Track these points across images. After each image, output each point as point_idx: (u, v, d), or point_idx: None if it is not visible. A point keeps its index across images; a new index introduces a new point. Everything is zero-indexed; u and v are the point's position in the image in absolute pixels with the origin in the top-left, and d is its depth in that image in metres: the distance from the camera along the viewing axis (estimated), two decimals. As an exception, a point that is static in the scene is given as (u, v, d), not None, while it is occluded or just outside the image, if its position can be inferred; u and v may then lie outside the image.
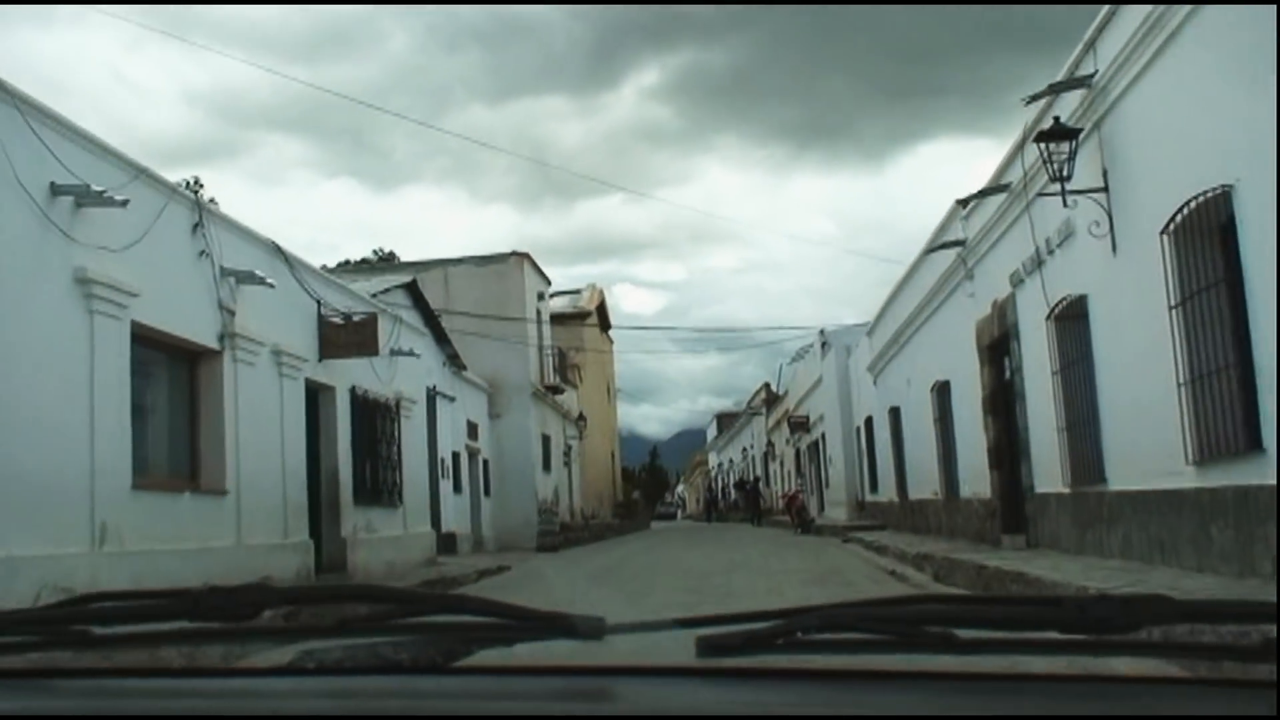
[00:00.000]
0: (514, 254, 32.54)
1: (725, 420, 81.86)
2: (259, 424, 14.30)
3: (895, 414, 24.77)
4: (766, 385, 57.75)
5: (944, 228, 17.84)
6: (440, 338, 27.30)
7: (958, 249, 17.07)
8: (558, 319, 42.83)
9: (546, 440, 34.20)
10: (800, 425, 40.70)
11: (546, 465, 34.02)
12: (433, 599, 1.36)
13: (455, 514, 27.64)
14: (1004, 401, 16.10)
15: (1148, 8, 9.52)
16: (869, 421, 29.37)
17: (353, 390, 17.54)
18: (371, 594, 1.35)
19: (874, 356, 26.97)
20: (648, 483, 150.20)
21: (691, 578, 16.00)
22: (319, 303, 16.33)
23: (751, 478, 41.71)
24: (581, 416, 37.61)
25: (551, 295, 44.88)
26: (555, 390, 34.68)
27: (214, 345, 13.44)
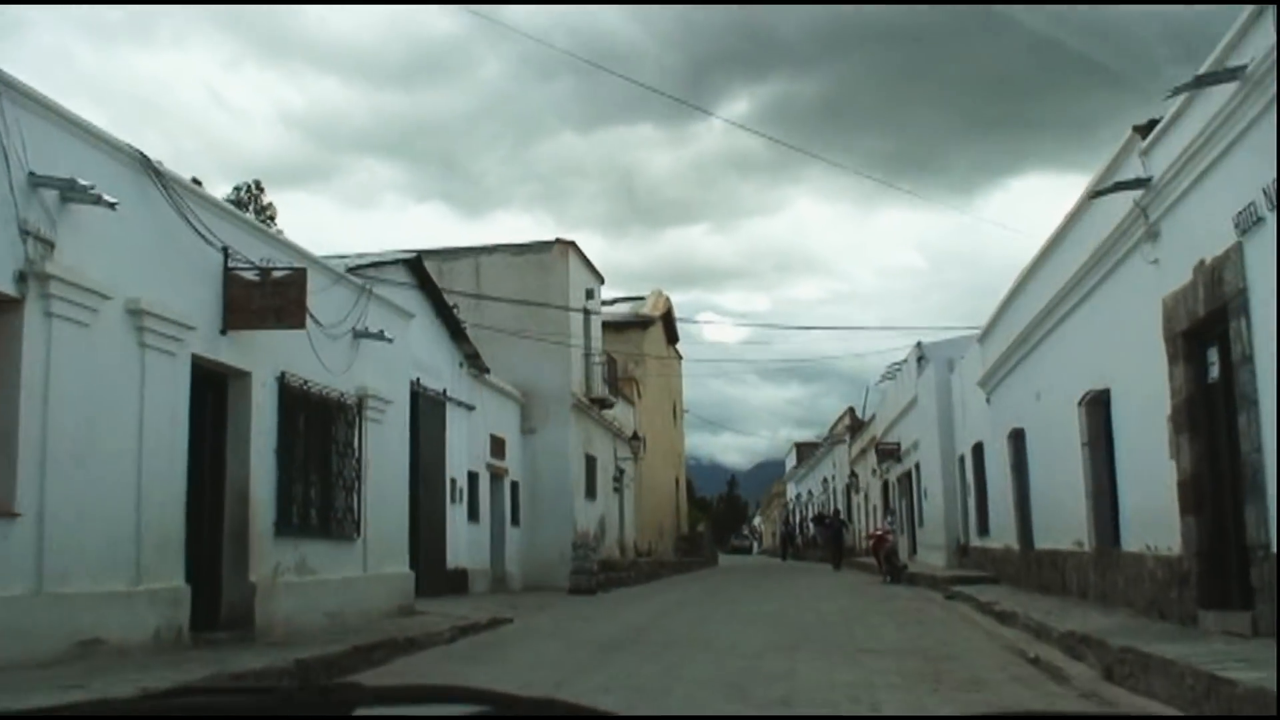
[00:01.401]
0: (558, 241, 27.80)
1: (805, 450, 76.21)
2: (94, 414, 9.62)
3: (1017, 439, 19.46)
4: (851, 410, 52.27)
5: (1112, 169, 12.62)
6: (456, 333, 22.61)
7: (1134, 196, 11.87)
8: (615, 327, 38.08)
9: (591, 462, 29.32)
10: (889, 453, 35.28)
11: (590, 491, 29.12)
12: (524, 702, 1.29)
13: (470, 547, 22.85)
14: (1208, 413, 10.85)
15: None
16: (977, 449, 24.00)
17: (283, 380, 12.83)
18: (461, 694, 1.31)
19: (987, 369, 21.66)
20: (724, 514, 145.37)
21: (739, 657, 10.99)
22: (225, 251, 11.65)
23: (832, 511, 36.35)
24: (636, 436, 32.68)
25: (612, 302, 40.24)
26: (604, 404, 29.82)
27: (7, 290, 8.81)
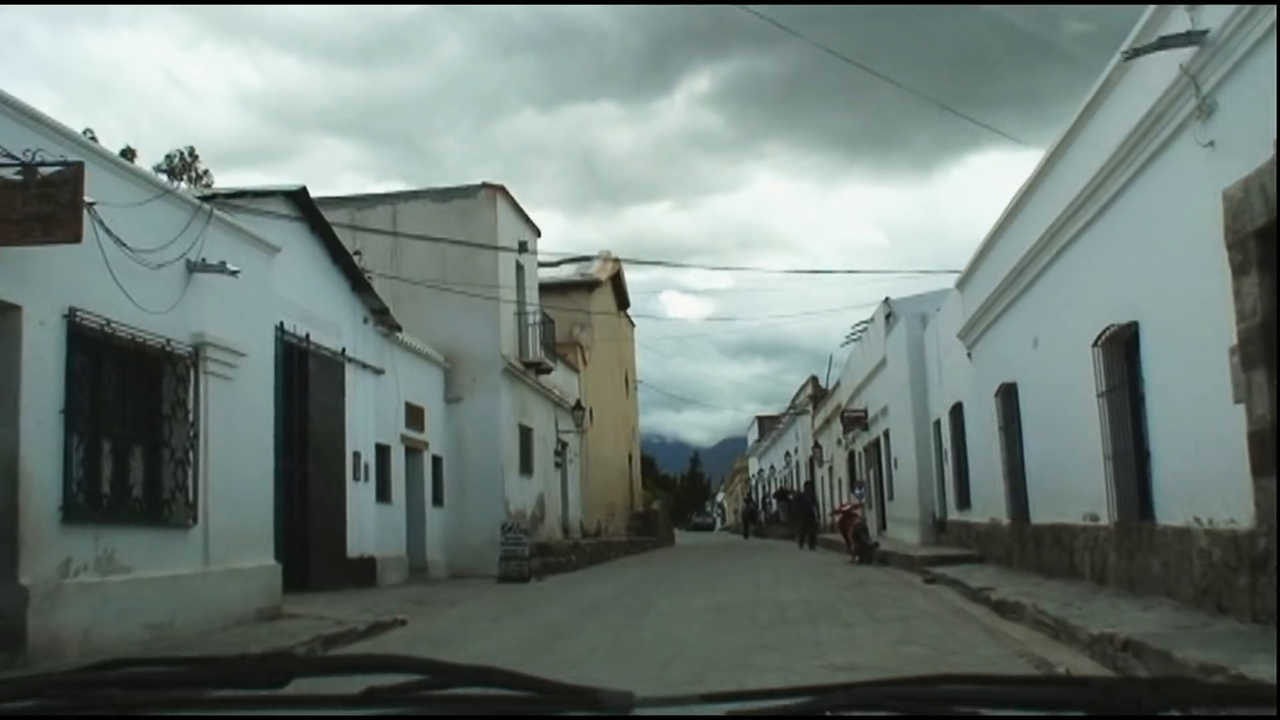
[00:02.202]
0: (485, 186, 24.73)
1: (767, 424, 73.62)
2: None
3: (1007, 395, 16.71)
4: (813, 379, 49.58)
5: (1149, 28, 9.75)
6: (360, 285, 19.57)
7: (1178, 62, 9.04)
8: (558, 288, 35.08)
9: (527, 434, 26.35)
10: (855, 421, 32.55)
11: (526, 466, 26.16)
12: (462, 670, 1.34)
13: (379, 531, 19.88)
14: (1294, 342, 8.06)
15: None
16: (956, 411, 21.28)
17: (73, 319, 9.77)
18: (401, 663, 1.35)
19: (968, 319, 18.89)
20: (687, 491, 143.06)
21: (672, 678, 8.13)
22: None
23: (802, 485, 33.23)
24: (580, 406, 29.68)
25: (556, 263, 37.27)
26: (541, 369, 26.82)
27: None
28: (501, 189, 24.75)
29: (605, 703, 1.26)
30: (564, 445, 30.16)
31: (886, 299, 28.07)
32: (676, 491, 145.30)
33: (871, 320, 29.84)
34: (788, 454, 57.74)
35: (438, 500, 23.21)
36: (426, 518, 22.44)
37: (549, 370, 26.98)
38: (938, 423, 23.55)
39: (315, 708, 1.31)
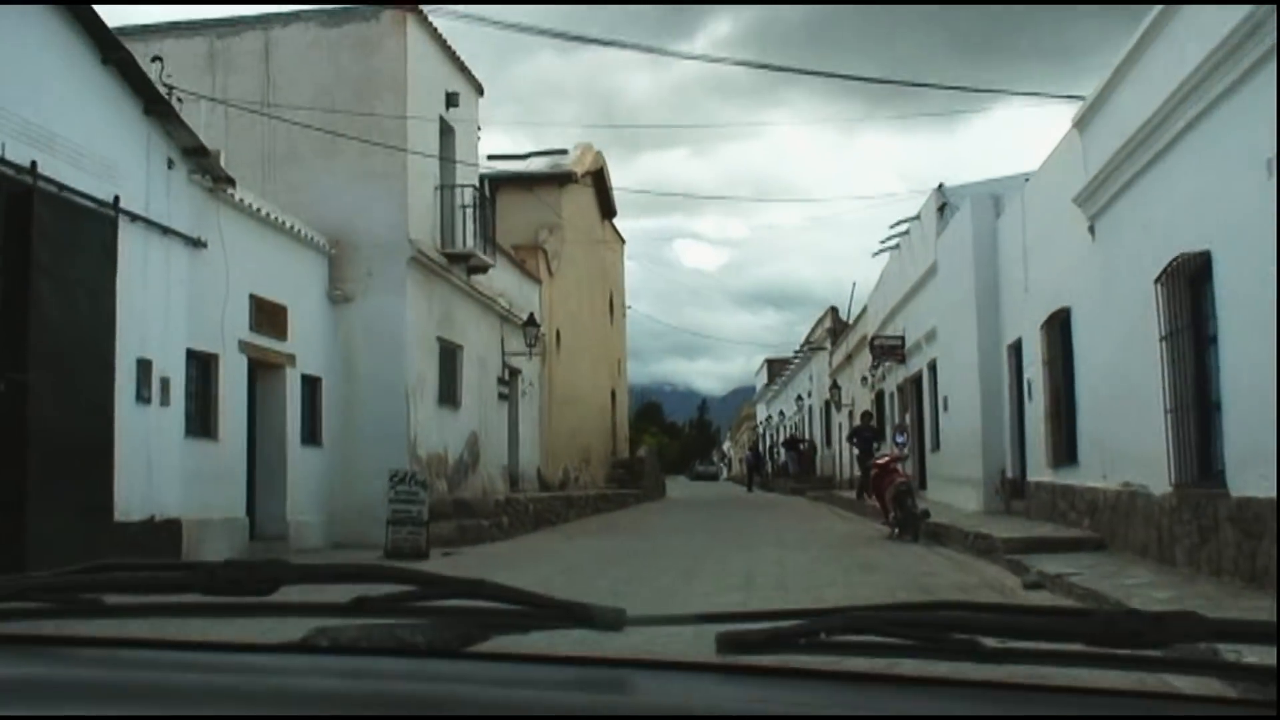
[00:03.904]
0: (389, 6, 17.74)
1: (777, 368, 66.65)
2: None
3: (1194, 276, 9.90)
4: (832, 311, 42.65)
5: None
6: (159, 109, 12.86)
7: None
8: (524, 182, 28.29)
9: (451, 352, 19.58)
10: (888, 351, 25.72)
11: (449, 395, 19.43)
12: (453, 582, 1.31)
13: (192, 480, 13.28)
14: None
15: None
16: (1058, 324, 14.51)
17: None
18: (390, 574, 1.33)
19: (1103, 166, 11.98)
20: (695, 439, 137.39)
21: None
22: None
23: (858, 419, 26.41)
24: (534, 321, 22.82)
25: (525, 156, 30.46)
26: (475, 267, 19.98)
27: None
28: (415, 9, 17.77)
29: (598, 618, 1.26)
30: (513, 373, 23.42)
31: (940, 185, 21.18)
32: (684, 439, 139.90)
33: (916, 218, 22.93)
34: (799, 398, 51.00)
35: (310, 438, 16.56)
36: (289, 463, 15.79)
37: (483, 269, 20.11)
38: (1015, 345, 16.77)
39: (304, 614, 1.33)
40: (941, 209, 20.71)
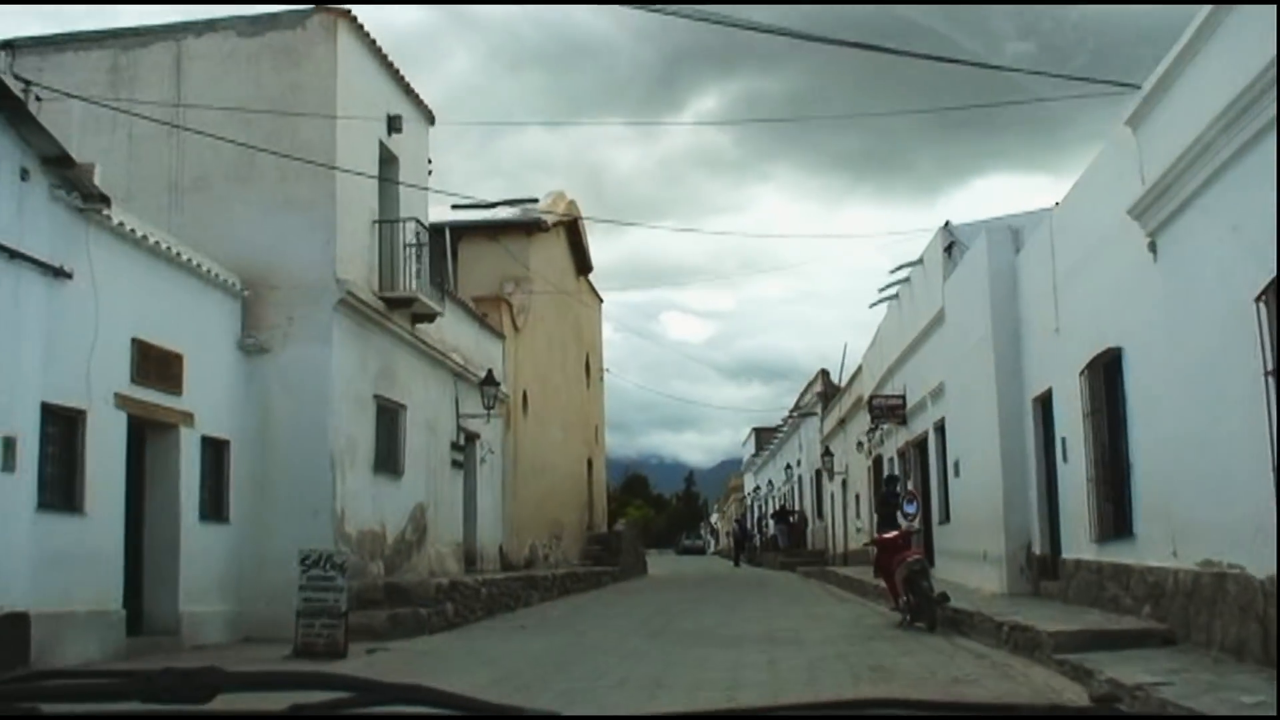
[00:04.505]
0: (317, 10, 15.46)
1: (765, 437, 64.01)
2: None
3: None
4: (823, 374, 40.27)
5: None
6: (6, 102, 10.47)
7: None
8: (486, 230, 26.06)
9: (392, 413, 17.06)
10: (888, 412, 23.26)
11: (389, 462, 16.86)
12: (388, 688, 1.33)
13: (47, 564, 10.74)
14: None
15: None
16: (1103, 368, 12.09)
17: None
18: (327, 681, 1.34)
19: (1163, 172, 9.65)
20: (682, 512, 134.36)
21: None
22: None
23: (884, 483, 23.50)
24: (492, 380, 20.28)
25: (491, 205, 28.27)
26: (418, 313, 17.49)
27: None
28: (347, 14, 15.51)
29: None
30: (470, 438, 20.87)
31: (947, 223, 18.91)
32: (670, 512, 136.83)
33: (918, 262, 20.62)
34: (788, 466, 48.42)
35: (213, 512, 13.96)
36: (183, 542, 13.16)
37: (430, 317, 17.62)
38: (1044, 397, 14.36)
39: None
40: (949, 249, 18.43)
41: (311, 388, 14.71)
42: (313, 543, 14.08)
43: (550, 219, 27.32)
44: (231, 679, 1.30)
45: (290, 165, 15.01)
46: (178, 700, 1.27)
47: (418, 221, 16.80)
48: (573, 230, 30.88)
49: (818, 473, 39.78)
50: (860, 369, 30.07)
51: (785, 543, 43.84)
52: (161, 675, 1.29)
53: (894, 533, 14.92)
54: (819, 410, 39.24)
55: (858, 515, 31.14)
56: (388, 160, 17.03)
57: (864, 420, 27.96)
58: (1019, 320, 15.27)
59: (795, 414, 45.30)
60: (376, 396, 16.26)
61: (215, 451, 14.11)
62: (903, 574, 13.51)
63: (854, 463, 31.05)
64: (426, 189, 18.19)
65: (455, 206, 28.17)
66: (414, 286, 16.58)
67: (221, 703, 1.29)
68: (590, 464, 33.74)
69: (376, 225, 16.34)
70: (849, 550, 32.84)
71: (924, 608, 13.29)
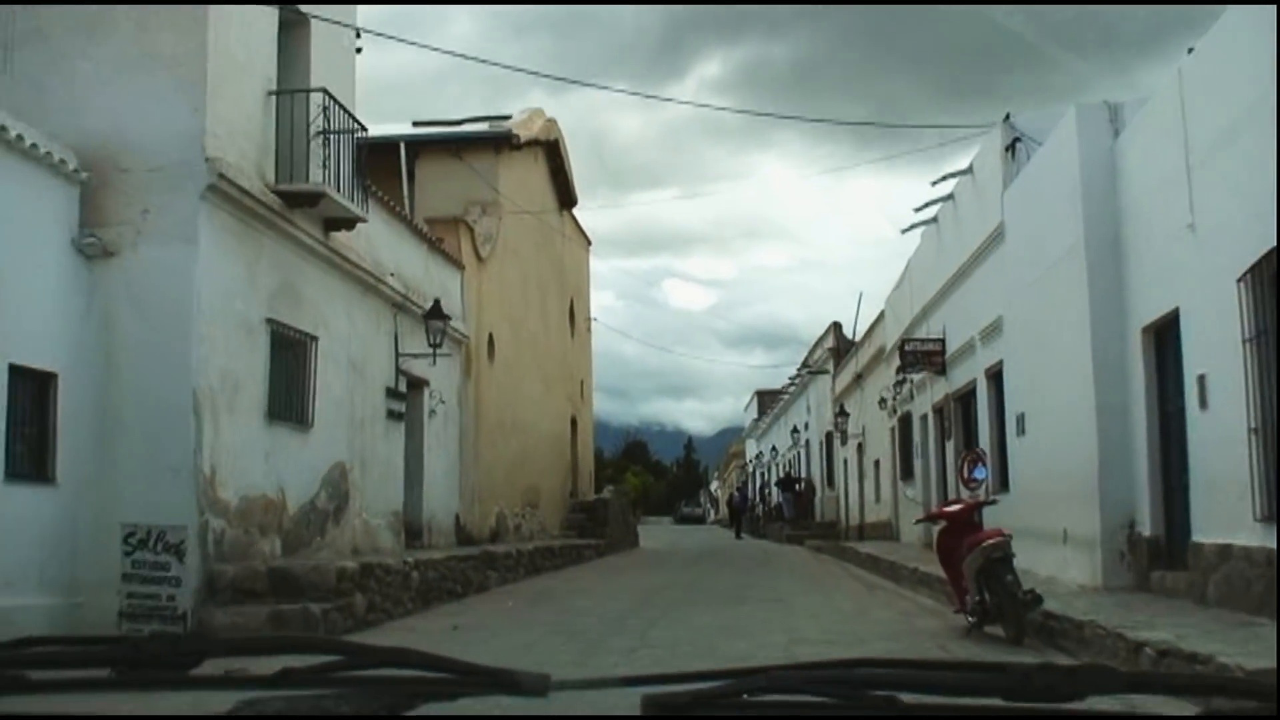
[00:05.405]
0: None
1: (768, 400, 60.22)
2: None
3: None
4: (835, 327, 36.41)
5: None
6: None
7: None
8: (449, 144, 22.26)
9: (294, 344, 13.18)
10: (923, 358, 19.40)
11: (291, 409, 12.99)
12: (379, 651, 1.32)
13: None
14: None
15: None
16: (1267, 277, 8.27)
17: None
18: (317, 645, 1.34)
19: None
20: (682, 480, 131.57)
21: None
22: None
23: (970, 447, 20.37)
24: (439, 312, 16.32)
25: (462, 121, 24.58)
26: (331, 217, 13.54)
27: None
28: None
29: (523, 684, 1.25)
30: (415, 384, 17.04)
31: (1007, 115, 15.04)
32: (670, 479, 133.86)
33: (966, 171, 16.72)
34: (795, 430, 44.64)
35: (29, 470, 10.15)
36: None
37: (349, 222, 13.69)
38: (1164, 323, 10.57)
39: (230, 688, 1.30)
40: (1011, 147, 14.57)
41: (170, 303, 10.88)
42: (170, 512, 10.46)
43: (525, 136, 23.39)
44: (218, 645, 1.31)
45: (153, 11, 11.21)
46: (165, 666, 1.28)
47: (327, 94, 12.86)
48: (554, 156, 26.98)
49: (828, 436, 36.07)
50: (882, 316, 26.23)
51: (791, 514, 40.23)
52: (149, 642, 1.34)
53: (958, 504, 11.15)
54: (831, 368, 35.44)
55: (876, 489, 27.42)
56: (295, 22, 13.15)
57: (885, 375, 24.22)
58: (1121, 223, 11.44)
59: (804, 371, 41.49)
60: (271, 321, 12.40)
61: (35, 386, 10.32)
62: (976, 563, 9.70)
63: (873, 424, 27.27)
64: (350, 73, 14.29)
65: (416, 123, 24.39)
66: (320, 179, 12.68)
67: (209, 667, 1.28)
68: (575, 423, 29.97)
69: (274, 98, 12.46)
70: (865, 523, 29.15)
71: (1006, 610, 9.53)
